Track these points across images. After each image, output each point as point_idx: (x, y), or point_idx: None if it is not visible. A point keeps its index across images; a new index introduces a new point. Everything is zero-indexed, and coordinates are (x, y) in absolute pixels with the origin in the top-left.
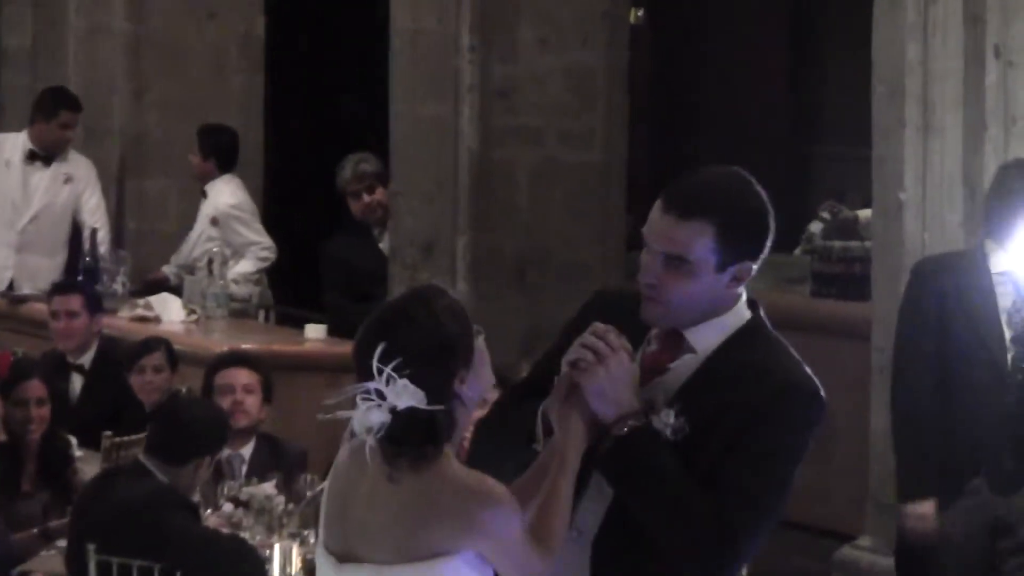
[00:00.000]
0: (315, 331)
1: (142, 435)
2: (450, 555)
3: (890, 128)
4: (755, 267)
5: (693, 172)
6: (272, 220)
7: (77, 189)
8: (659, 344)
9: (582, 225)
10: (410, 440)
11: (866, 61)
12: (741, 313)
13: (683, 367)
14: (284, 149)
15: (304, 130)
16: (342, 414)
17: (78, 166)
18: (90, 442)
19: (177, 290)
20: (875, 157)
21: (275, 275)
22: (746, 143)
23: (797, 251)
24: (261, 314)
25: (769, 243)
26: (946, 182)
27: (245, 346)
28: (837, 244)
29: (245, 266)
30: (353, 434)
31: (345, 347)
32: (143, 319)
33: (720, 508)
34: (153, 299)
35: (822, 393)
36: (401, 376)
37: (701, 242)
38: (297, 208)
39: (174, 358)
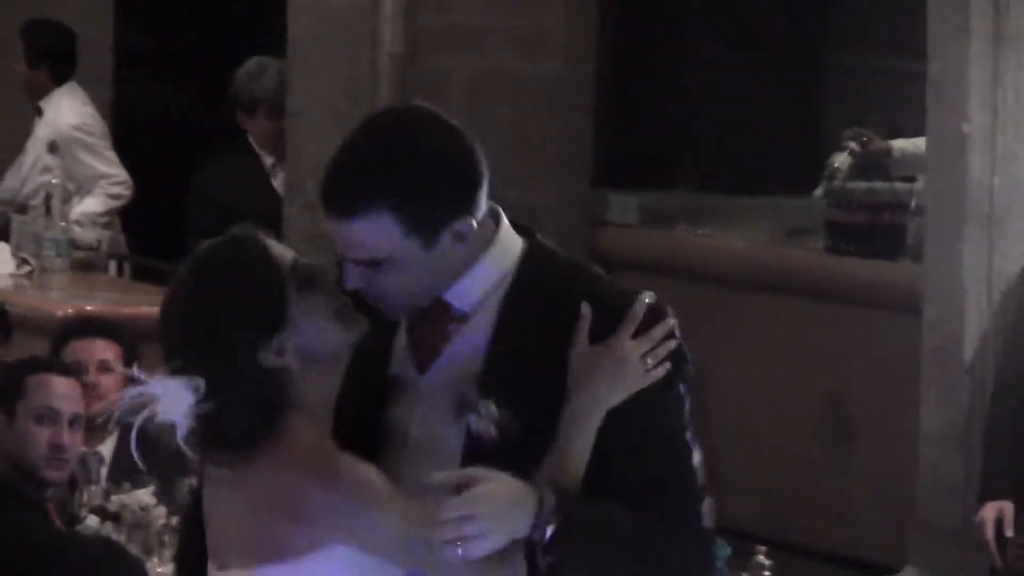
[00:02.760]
0: None
1: None
2: (307, 553)
3: (950, 38)
4: (475, 218)
5: (343, 147)
6: (124, 147)
7: None
8: (424, 321)
9: (535, 155)
10: (202, 442)
11: None
12: (507, 246)
13: (466, 340)
14: (141, 54)
15: (169, 29)
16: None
17: None
18: None
19: (2, 233)
20: (930, 76)
21: (128, 217)
22: (742, 51)
23: (819, 191)
24: (112, 266)
25: (482, 180)
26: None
27: (93, 308)
28: (860, 186)
29: (92, 204)
30: None
31: None
32: None
33: (668, 509)
34: None
35: (657, 303)
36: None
37: (384, 237)
38: (157, 132)
39: (6, 323)
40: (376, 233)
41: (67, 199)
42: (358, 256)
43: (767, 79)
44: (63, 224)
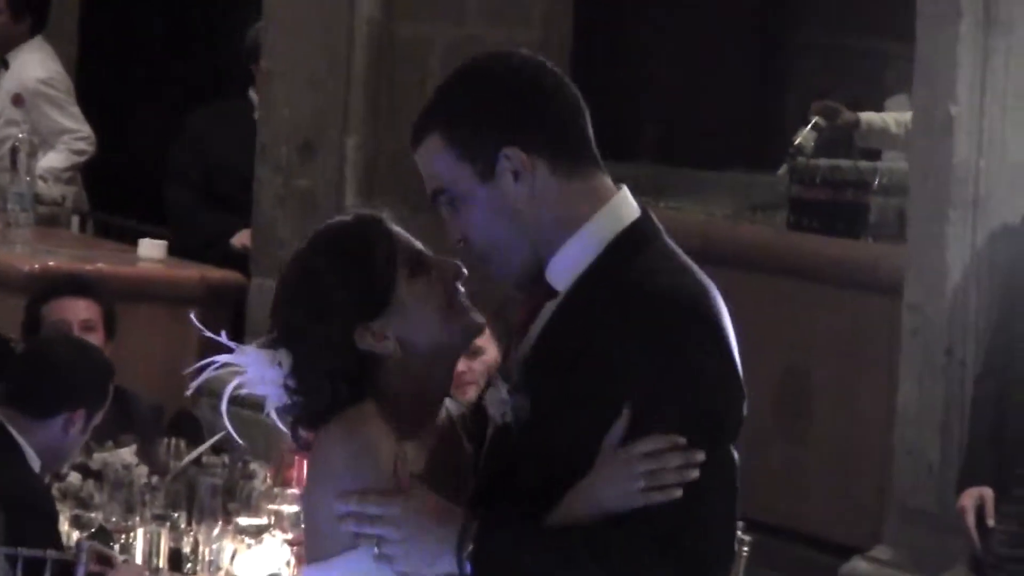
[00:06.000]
0: (152, 248)
1: None
2: (339, 552)
3: (940, 19)
4: (528, 147)
5: None
6: (87, 102)
7: None
8: (527, 298)
9: None
10: (289, 416)
11: None
12: (610, 222)
13: (541, 320)
14: (107, 7)
15: None
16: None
17: None
18: None
19: None
20: (918, 57)
21: (91, 173)
22: (707, 25)
23: (782, 169)
24: (75, 222)
25: (549, 115)
26: (1012, 93)
27: (58, 263)
28: (824, 163)
29: (55, 160)
30: None
31: (191, 271)
32: None
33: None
34: None
35: (699, 305)
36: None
37: (439, 159)
38: (119, 88)
39: None
40: (432, 155)
41: (33, 153)
42: (429, 187)
43: (731, 54)
44: (28, 179)
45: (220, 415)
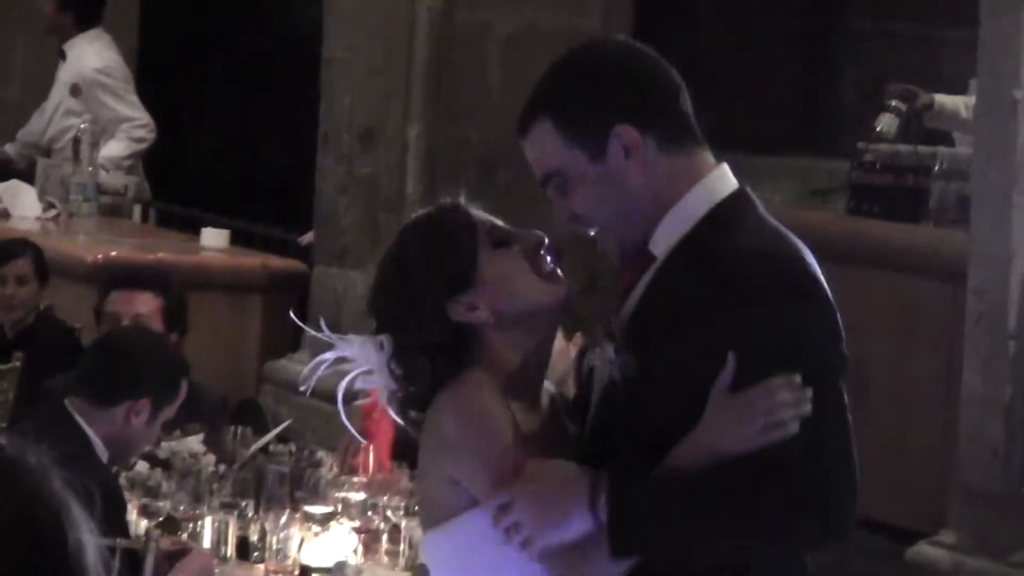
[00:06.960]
0: (215, 237)
1: (9, 365)
2: (456, 513)
3: (1003, 3)
4: (638, 124)
5: None
6: (148, 91)
7: None
8: (631, 266)
9: None
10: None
11: None
12: (711, 190)
13: (643, 283)
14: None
15: None
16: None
17: None
18: None
19: (26, 176)
20: (982, 42)
21: (150, 162)
22: (765, 12)
23: (868, 156)
24: (137, 211)
25: (655, 93)
26: None
27: (120, 253)
28: (884, 148)
29: (115, 148)
30: None
31: (254, 259)
32: None
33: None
34: (0, 187)
35: (795, 258)
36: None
37: (550, 144)
38: (181, 78)
39: (44, 267)
40: (542, 143)
41: (95, 143)
42: (541, 172)
43: (786, 41)
44: (90, 169)
45: (283, 404)
